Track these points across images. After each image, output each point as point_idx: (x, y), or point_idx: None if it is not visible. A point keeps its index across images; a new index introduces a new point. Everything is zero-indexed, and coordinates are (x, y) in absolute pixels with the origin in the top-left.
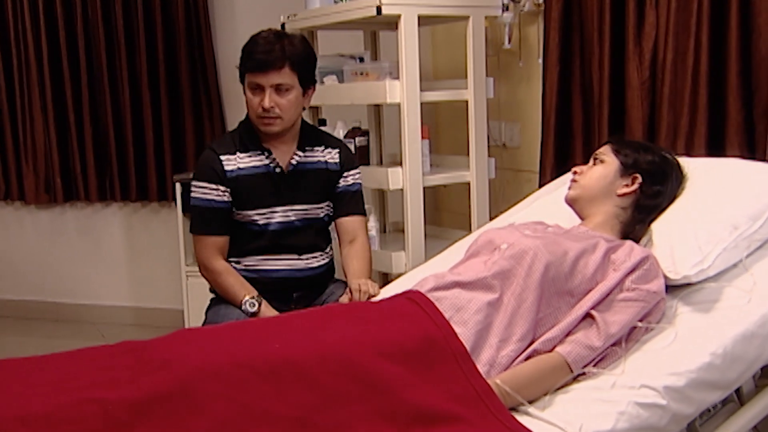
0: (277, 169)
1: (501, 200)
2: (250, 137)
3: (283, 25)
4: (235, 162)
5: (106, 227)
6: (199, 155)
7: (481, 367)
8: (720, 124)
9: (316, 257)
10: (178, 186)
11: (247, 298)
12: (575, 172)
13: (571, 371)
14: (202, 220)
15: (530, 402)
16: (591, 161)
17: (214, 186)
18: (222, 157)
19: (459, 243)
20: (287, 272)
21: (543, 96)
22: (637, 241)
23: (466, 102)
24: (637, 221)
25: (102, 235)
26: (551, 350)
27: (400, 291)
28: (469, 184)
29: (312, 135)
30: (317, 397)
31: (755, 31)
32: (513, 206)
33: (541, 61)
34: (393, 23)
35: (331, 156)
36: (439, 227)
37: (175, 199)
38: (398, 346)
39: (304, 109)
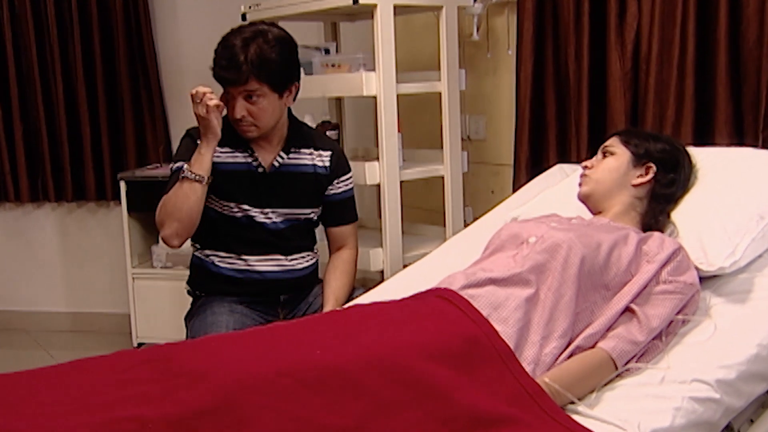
0: (260, 169)
1: (467, 194)
2: (233, 132)
3: (244, 16)
4: (214, 154)
5: (39, 229)
6: (140, 153)
7: (526, 366)
8: (707, 114)
9: (303, 257)
10: (122, 184)
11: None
12: (585, 167)
13: (616, 367)
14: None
15: (579, 400)
16: (600, 155)
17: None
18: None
19: (451, 241)
20: (274, 274)
21: (517, 88)
22: (661, 232)
23: (439, 94)
24: (656, 212)
25: (34, 238)
26: (593, 346)
27: (389, 293)
28: (443, 178)
29: (300, 136)
30: (368, 405)
31: (744, 21)
32: (504, 201)
33: (511, 52)
34: (354, 14)
35: (321, 159)
36: (408, 223)
37: (119, 198)
38: (441, 347)
39: (287, 107)
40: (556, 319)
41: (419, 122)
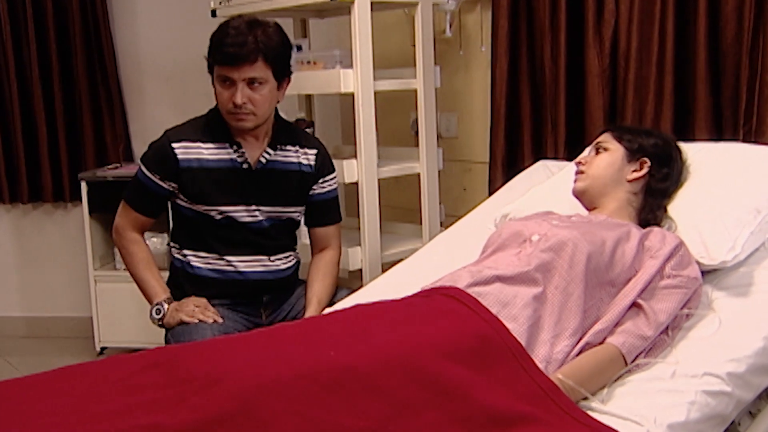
0: (245, 165)
1: (440, 192)
2: (218, 127)
3: (213, 12)
4: (195, 151)
5: None
6: (99, 152)
7: (539, 364)
8: (686, 110)
9: (286, 257)
10: (83, 185)
11: (157, 301)
12: (579, 163)
13: (626, 363)
14: (136, 194)
15: (592, 395)
16: (593, 150)
17: (158, 177)
18: (176, 145)
19: (437, 239)
20: (258, 274)
21: (492, 85)
22: (659, 227)
23: (415, 91)
24: (653, 207)
25: None
26: (602, 342)
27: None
28: (419, 175)
29: (286, 132)
30: (387, 406)
31: (722, 19)
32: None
33: (484, 49)
34: (323, 11)
35: (306, 157)
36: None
37: (78, 199)
38: (455, 345)
39: (278, 102)
40: (566, 318)
41: (383, 120)
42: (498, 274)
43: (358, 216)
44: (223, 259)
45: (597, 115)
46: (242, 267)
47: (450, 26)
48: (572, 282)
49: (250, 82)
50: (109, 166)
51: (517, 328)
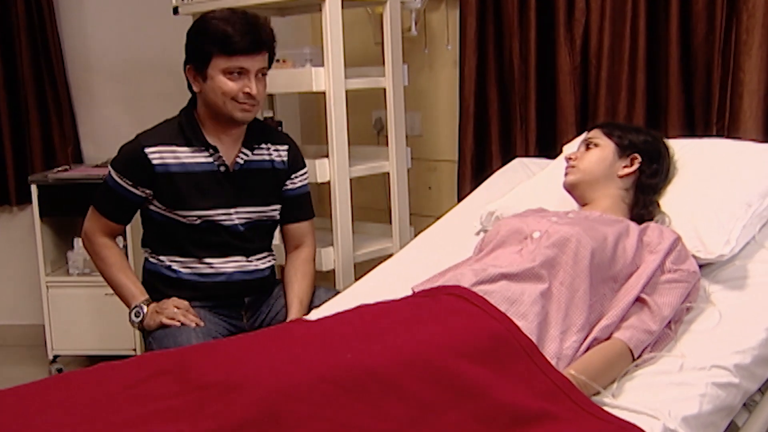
0: (222, 168)
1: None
2: (193, 130)
3: (176, 9)
4: (171, 155)
5: None
6: (47, 154)
7: (550, 360)
8: (658, 107)
9: (265, 258)
10: (34, 188)
11: (135, 303)
12: (569, 158)
13: (633, 357)
14: (106, 201)
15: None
16: (582, 147)
17: (131, 183)
18: (149, 150)
19: (419, 239)
20: (239, 275)
21: (461, 83)
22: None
23: (383, 90)
24: (644, 202)
25: None
26: (609, 337)
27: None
28: (388, 174)
29: (259, 131)
30: (411, 409)
31: (693, 17)
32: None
33: (450, 47)
34: (284, 9)
35: (278, 154)
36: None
37: (26, 202)
38: (470, 344)
39: None
40: (573, 314)
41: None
42: (503, 271)
43: (330, 216)
44: (202, 263)
45: (569, 113)
46: (223, 269)
47: (415, 24)
48: (577, 278)
49: (258, 73)
50: (59, 168)
51: (527, 325)
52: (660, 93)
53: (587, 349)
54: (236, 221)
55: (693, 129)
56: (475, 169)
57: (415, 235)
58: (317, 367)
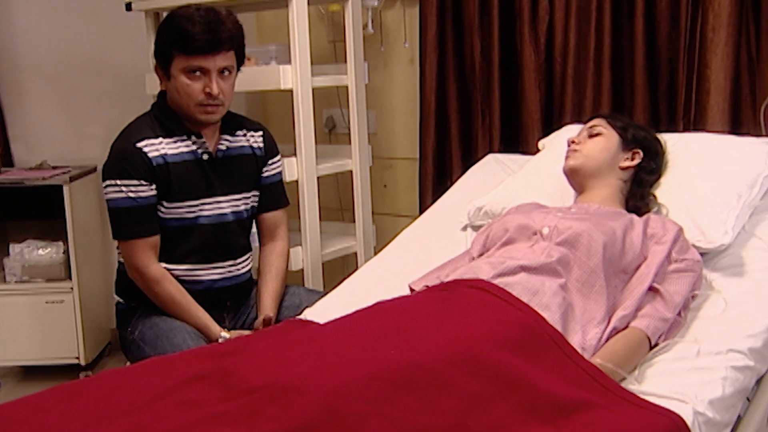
0: (205, 156)
1: None
2: (170, 121)
3: (128, 5)
4: (159, 147)
5: None
6: None
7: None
8: (623, 103)
9: (245, 261)
10: None
11: (222, 334)
12: (573, 141)
13: (651, 345)
14: (130, 222)
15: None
16: (585, 133)
17: (136, 182)
18: (141, 145)
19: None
20: (221, 282)
21: (421, 81)
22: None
23: (346, 88)
24: (640, 195)
25: None
26: (626, 327)
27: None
28: (351, 172)
29: (231, 119)
30: (461, 403)
31: (657, 15)
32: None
33: (408, 45)
34: (237, 6)
35: (255, 140)
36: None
37: None
38: (505, 336)
39: None
40: (591, 308)
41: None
42: (522, 264)
43: (298, 216)
44: (186, 270)
45: (533, 110)
46: (205, 277)
47: (372, 22)
48: (593, 273)
49: (221, 72)
50: None
51: (551, 316)
52: (625, 89)
53: (607, 339)
54: (225, 210)
55: (658, 124)
56: (437, 166)
57: (377, 234)
58: (365, 366)
